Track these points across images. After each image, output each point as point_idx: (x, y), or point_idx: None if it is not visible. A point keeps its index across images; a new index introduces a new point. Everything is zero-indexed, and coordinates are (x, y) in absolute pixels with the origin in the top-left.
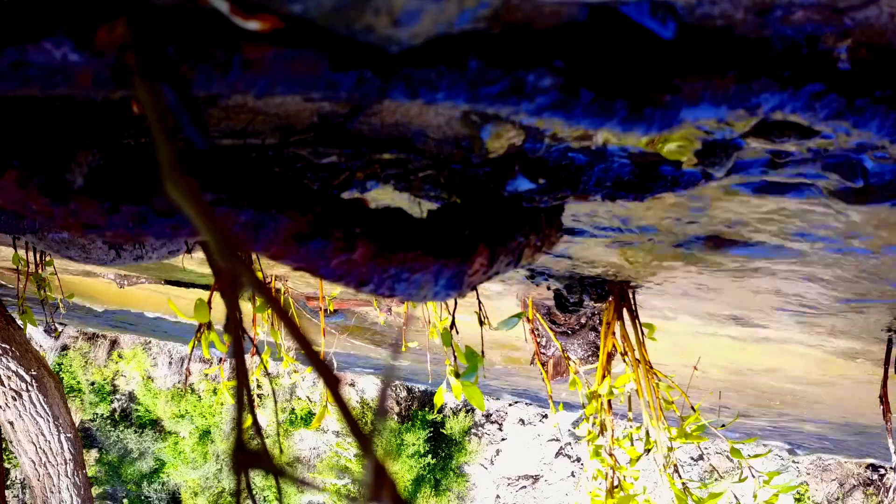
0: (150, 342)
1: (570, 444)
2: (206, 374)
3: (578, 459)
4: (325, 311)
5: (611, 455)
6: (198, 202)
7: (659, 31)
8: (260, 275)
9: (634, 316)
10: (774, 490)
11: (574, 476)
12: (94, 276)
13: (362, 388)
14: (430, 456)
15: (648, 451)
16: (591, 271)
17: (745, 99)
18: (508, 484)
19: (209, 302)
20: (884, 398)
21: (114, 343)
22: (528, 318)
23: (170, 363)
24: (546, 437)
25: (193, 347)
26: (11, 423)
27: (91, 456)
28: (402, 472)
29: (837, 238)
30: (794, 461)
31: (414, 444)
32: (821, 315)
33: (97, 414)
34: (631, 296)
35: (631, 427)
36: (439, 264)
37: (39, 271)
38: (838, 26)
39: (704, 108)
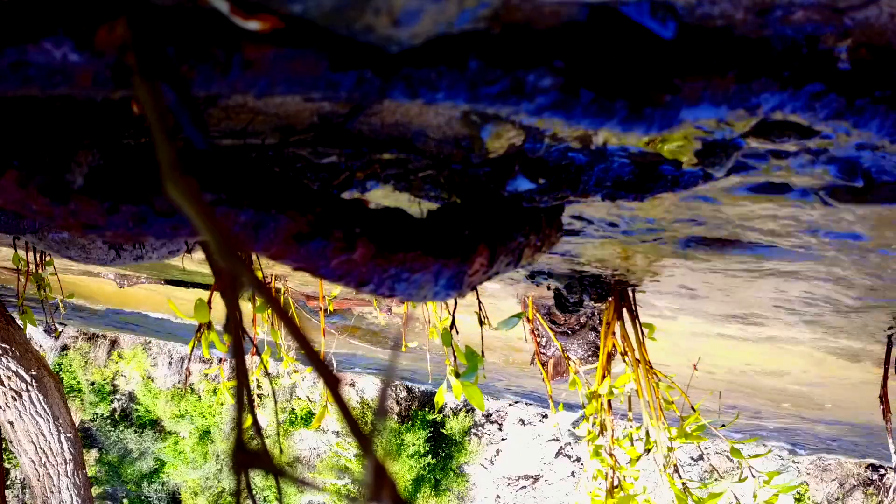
0: (150, 342)
1: (570, 444)
2: (206, 374)
3: (578, 459)
4: (325, 310)
5: (611, 455)
6: (198, 202)
7: (659, 31)
8: (260, 275)
9: (634, 316)
10: (774, 490)
11: (574, 476)
12: (94, 276)
13: (362, 388)
14: (430, 456)
15: (648, 451)
16: (591, 271)
17: (745, 99)
18: (508, 484)
19: (209, 302)
20: (884, 398)
21: (114, 343)
22: (528, 318)
23: (170, 363)
24: (546, 437)
25: (193, 347)
26: (11, 423)
27: (91, 456)
28: (402, 472)
29: (837, 238)
30: (793, 461)
31: (414, 444)
32: (823, 315)
33: (97, 414)
34: (631, 296)
35: (631, 427)
36: (439, 264)
37: (39, 271)
38: (838, 26)
39: (704, 108)
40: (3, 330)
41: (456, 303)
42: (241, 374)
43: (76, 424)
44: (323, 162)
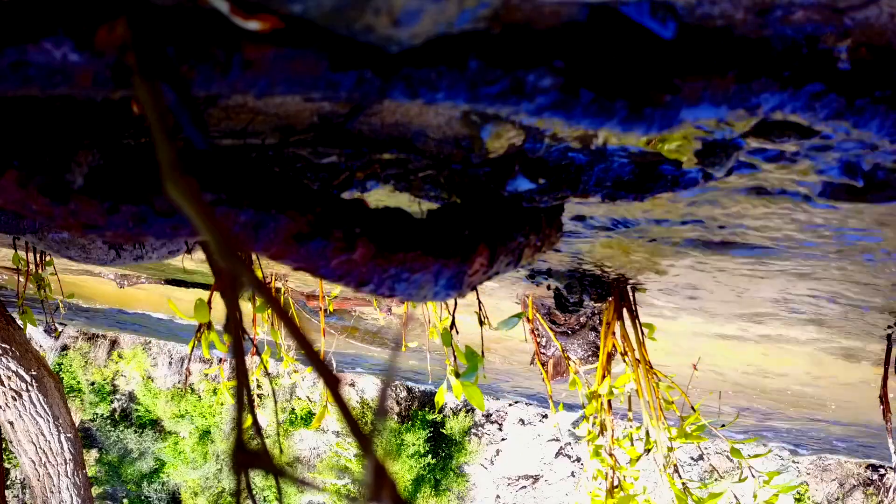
0: (150, 342)
1: (570, 444)
2: (206, 374)
3: (578, 459)
4: (325, 310)
5: (611, 455)
6: (198, 202)
7: (659, 31)
8: (260, 274)
9: (634, 316)
10: (774, 490)
11: (574, 476)
12: (94, 276)
13: (362, 388)
14: (430, 456)
15: (648, 451)
16: (591, 271)
17: (745, 99)
18: (508, 484)
19: (209, 302)
20: (884, 398)
21: (114, 343)
22: (528, 318)
23: (170, 363)
24: (546, 437)
25: (193, 347)
26: (11, 423)
27: (91, 456)
28: (402, 472)
29: (837, 238)
30: (793, 461)
31: (414, 444)
32: (824, 315)
33: (97, 414)
34: (631, 295)
35: (631, 427)
36: (439, 264)
37: (39, 271)
38: (838, 26)
39: (704, 108)
40: (3, 330)
41: (456, 303)
42: (241, 374)
43: (76, 424)
44: (323, 162)
